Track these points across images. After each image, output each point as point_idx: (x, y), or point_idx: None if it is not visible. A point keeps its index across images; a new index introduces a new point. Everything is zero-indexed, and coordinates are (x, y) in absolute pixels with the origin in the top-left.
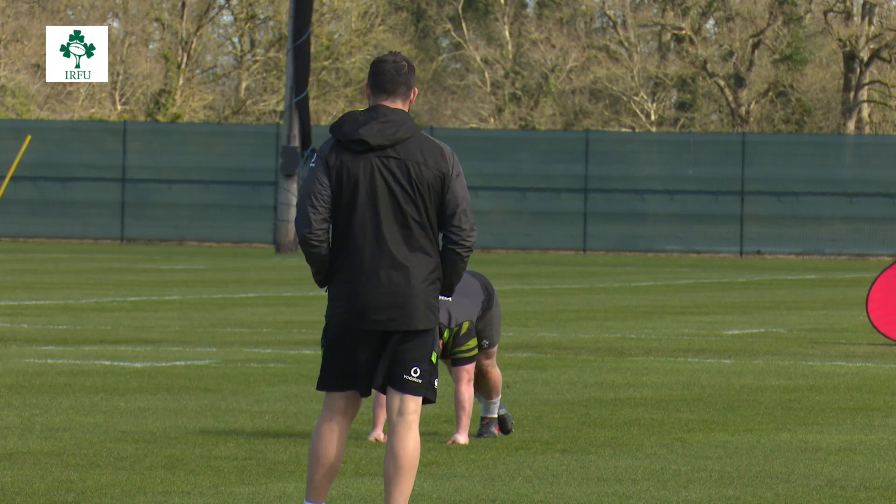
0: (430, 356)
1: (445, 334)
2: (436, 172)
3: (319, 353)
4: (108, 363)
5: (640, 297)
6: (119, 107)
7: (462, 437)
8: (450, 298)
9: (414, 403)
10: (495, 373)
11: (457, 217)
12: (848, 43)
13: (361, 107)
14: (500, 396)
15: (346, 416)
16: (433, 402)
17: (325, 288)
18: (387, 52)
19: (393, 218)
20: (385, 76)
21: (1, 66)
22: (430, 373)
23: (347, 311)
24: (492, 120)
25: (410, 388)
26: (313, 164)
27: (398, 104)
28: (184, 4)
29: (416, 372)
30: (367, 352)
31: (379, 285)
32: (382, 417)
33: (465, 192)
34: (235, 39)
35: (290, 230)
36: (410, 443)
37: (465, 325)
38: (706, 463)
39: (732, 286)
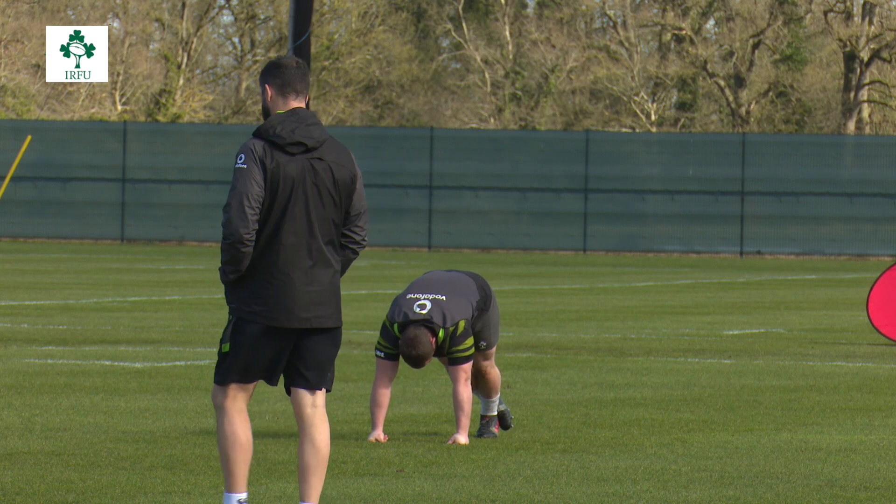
0: (337, 353)
1: (441, 333)
2: (350, 173)
3: None
4: (108, 363)
5: (640, 297)
6: (119, 107)
7: (462, 437)
8: (444, 298)
9: (323, 396)
10: (494, 372)
11: (361, 217)
12: (848, 43)
13: (362, 107)
14: (499, 394)
15: (247, 402)
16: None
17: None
18: (387, 51)
19: (322, 218)
20: (295, 76)
21: (1, 66)
22: (334, 367)
23: (272, 309)
24: (492, 120)
25: (326, 384)
26: (244, 165)
27: (303, 104)
28: (184, 4)
29: (329, 370)
30: (281, 349)
31: (309, 284)
32: (382, 417)
33: (363, 192)
34: (235, 39)
35: None
36: (327, 432)
37: (462, 325)
38: (706, 463)
39: (732, 286)
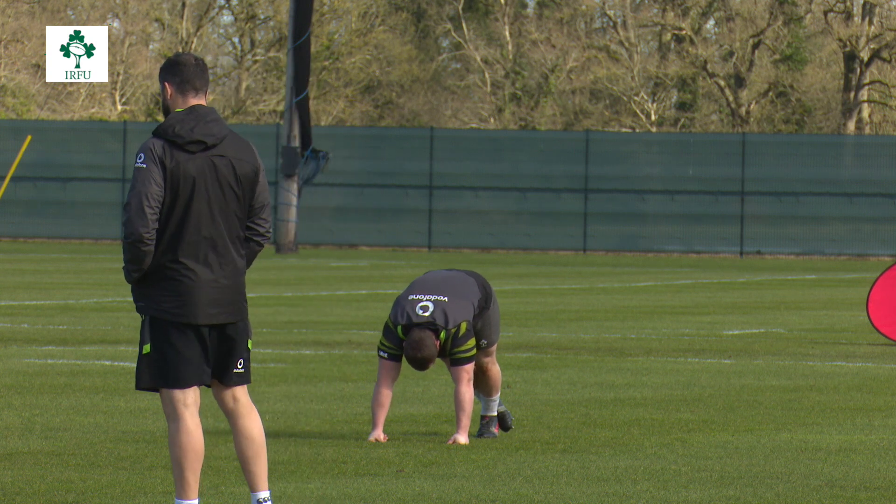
0: (248, 344)
1: (443, 335)
2: (252, 167)
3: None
4: (108, 363)
5: (640, 297)
6: (119, 107)
7: (462, 438)
8: (446, 299)
9: (243, 390)
10: (495, 370)
11: (264, 210)
12: (848, 43)
13: (362, 107)
14: (499, 394)
15: (198, 406)
16: (250, 382)
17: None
18: (386, 51)
19: (226, 214)
20: (194, 74)
21: (1, 66)
22: (248, 360)
23: (180, 306)
24: (492, 120)
25: (238, 380)
26: (143, 165)
27: (203, 101)
28: (184, 4)
29: (240, 363)
30: (199, 346)
31: (215, 281)
32: (383, 418)
33: (267, 185)
34: (235, 39)
35: (291, 230)
36: (257, 420)
37: (464, 326)
38: (706, 463)
39: (732, 286)
